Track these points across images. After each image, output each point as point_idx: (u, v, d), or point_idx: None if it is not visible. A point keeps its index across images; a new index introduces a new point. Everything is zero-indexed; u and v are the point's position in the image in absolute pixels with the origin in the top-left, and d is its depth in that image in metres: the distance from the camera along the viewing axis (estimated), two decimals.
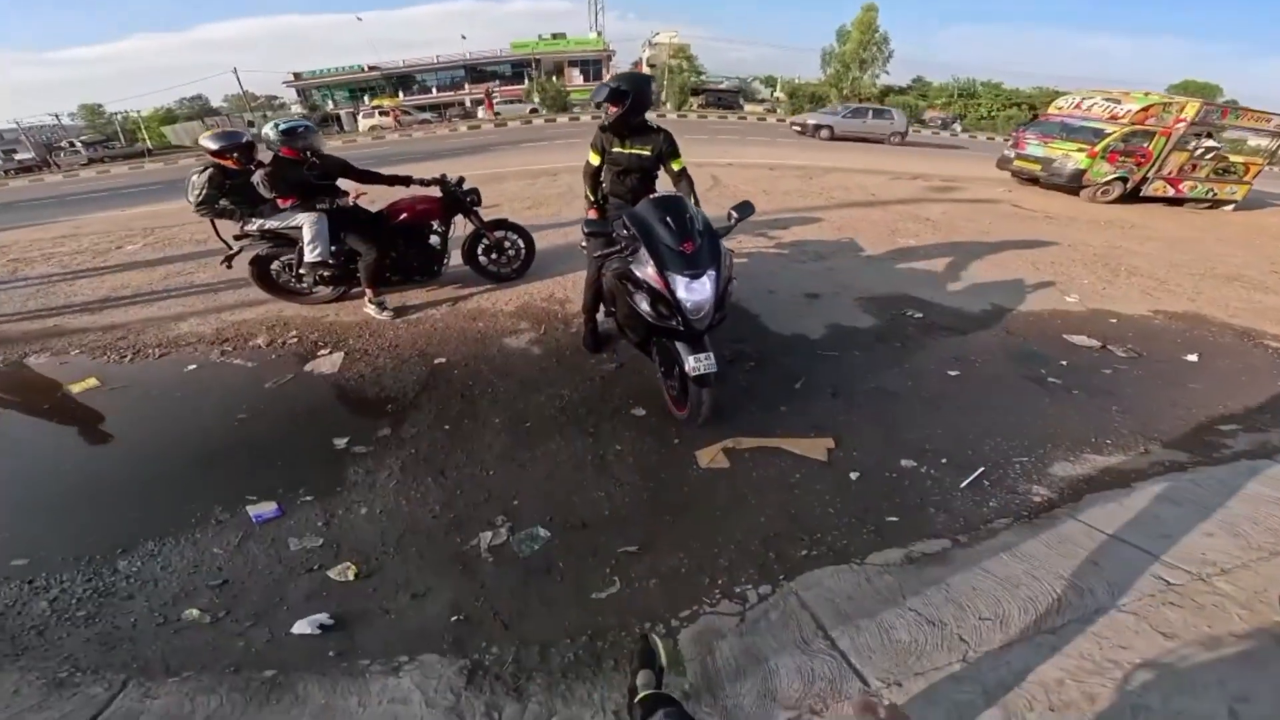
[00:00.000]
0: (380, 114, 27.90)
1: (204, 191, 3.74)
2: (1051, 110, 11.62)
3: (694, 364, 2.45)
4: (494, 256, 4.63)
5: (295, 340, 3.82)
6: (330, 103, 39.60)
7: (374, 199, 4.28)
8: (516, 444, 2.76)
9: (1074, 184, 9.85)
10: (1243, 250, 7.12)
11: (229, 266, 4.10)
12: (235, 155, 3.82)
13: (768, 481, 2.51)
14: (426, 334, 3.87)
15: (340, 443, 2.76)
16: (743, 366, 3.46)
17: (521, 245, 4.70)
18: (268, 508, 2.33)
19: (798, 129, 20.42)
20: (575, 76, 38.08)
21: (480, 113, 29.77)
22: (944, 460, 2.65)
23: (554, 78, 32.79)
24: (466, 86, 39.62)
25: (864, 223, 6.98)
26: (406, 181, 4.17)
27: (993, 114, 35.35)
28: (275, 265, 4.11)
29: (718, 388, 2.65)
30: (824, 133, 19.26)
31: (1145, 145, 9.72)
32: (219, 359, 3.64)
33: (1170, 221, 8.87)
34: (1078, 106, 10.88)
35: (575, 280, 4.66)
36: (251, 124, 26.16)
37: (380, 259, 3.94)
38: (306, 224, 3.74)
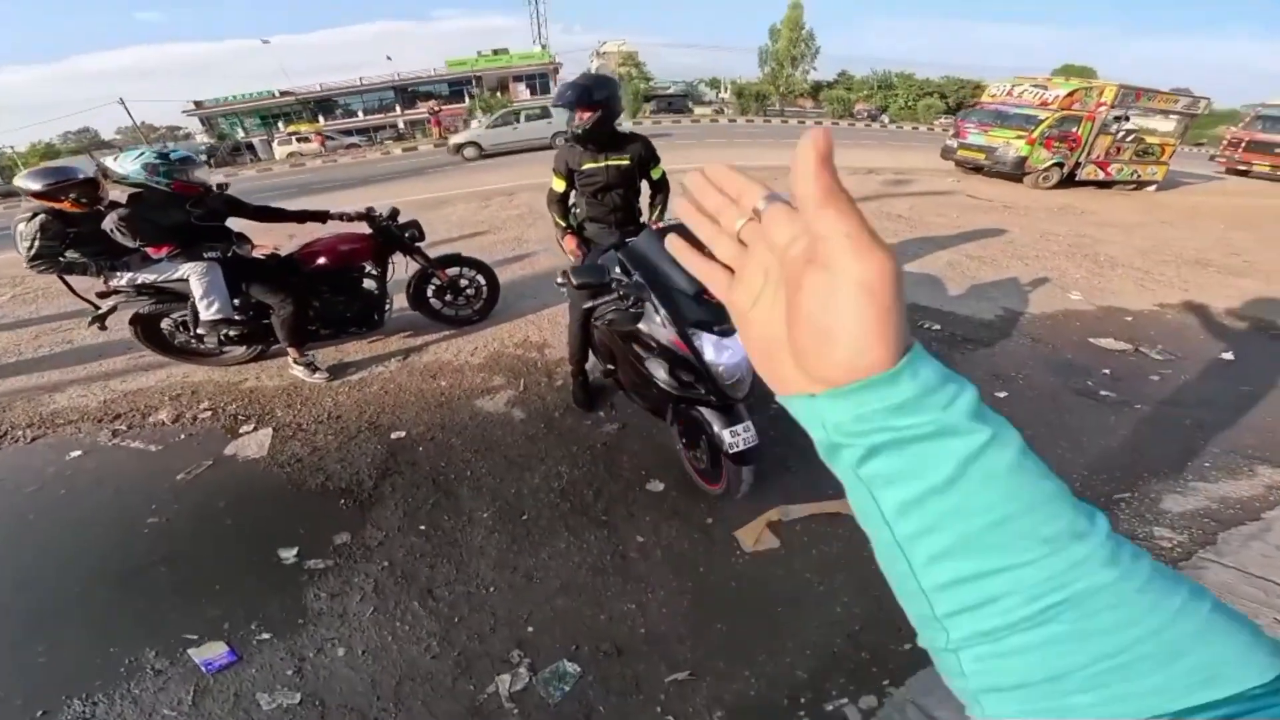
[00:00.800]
0: (299, 140, 26.56)
1: (36, 243, 2.85)
2: (985, 98, 11.89)
3: (731, 439, 1.92)
4: (449, 298, 3.96)
5: (209, 414, 3.08)
6: (240, 130, 37.33)
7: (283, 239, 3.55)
8: (515, 546, 2.16)
9: (1017, 171, 10.01)
10: (1190, 232, 7.25)
11: (102, 328, 3.24)
12: (72, 196, 2.94)
13: (833, 558, 2.08)
14: (375, 399, 3.17)
15: (288, 555, 2.14)
16: (765, 412, 2.95)
17: (482, 282, 4.02)
18: (216, 650, 1.81)
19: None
20: (521, 91, 37.35)
21: (420, 133, 28.58)
22: None
23: (498, 94, 31.94)
24: (398, 108, 38.31)
25: None
26: (321, 218, 3.39)
27: (910, 104, 37.00)
28: (166, 324, 3.32)
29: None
30: (470, 151, 15.23)
31: (1075, 130, 9.98)
32: (111, 442, 2.89)
33: (1111, 205, 9.07)
34: (1009, 94, 11.13)
35: (551, 317, 4.06)
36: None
37: (299, 312, 3.21)
38: (194, 276, 2.98)
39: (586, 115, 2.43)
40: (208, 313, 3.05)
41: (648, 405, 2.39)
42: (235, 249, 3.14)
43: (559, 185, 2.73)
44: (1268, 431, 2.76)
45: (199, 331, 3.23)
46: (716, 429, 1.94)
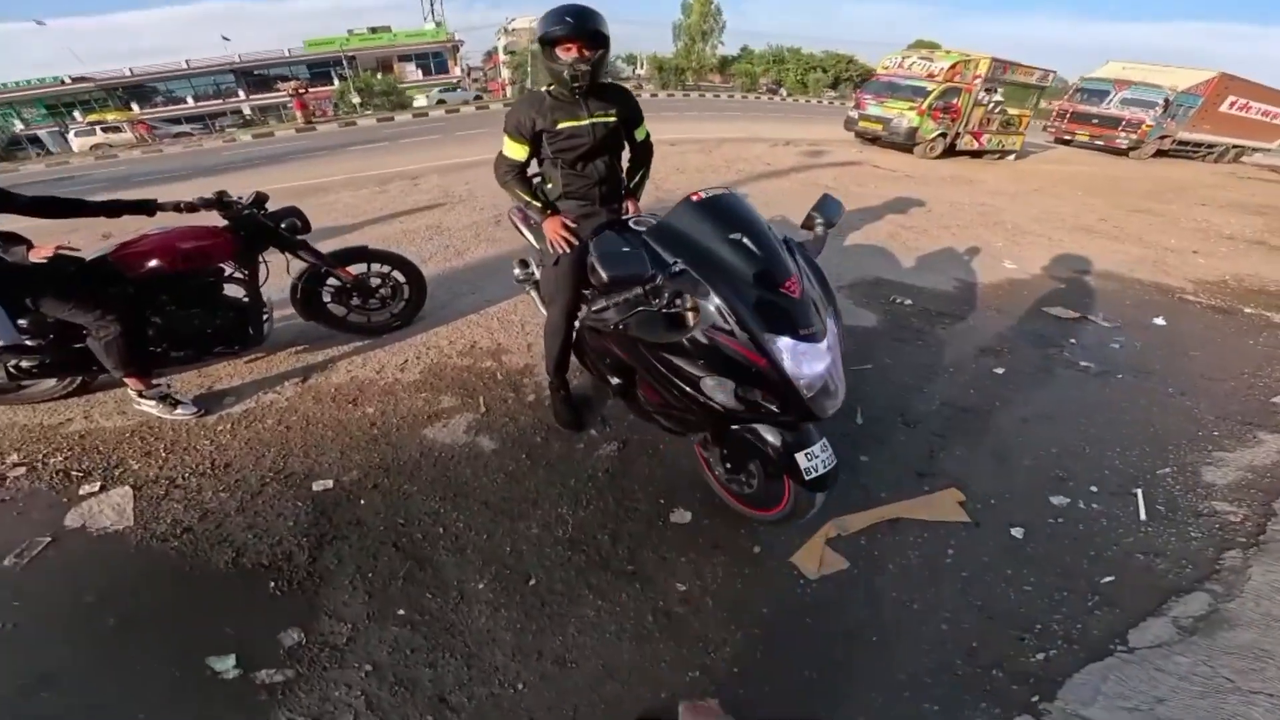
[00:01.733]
0: (105, 130, 23.26)
1: None
2: (879, 70, 12.52)
3: (808, 463, 1.54)
4: (356, 301, 3.19)
5: (22, 471, 2.23)
6: (17, 123, 32.01)
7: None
8: (532, 624, 1.67)
9: (909, 142, 10.62)
10: (1059, 200, 7.95)
11: None
12: None
13: (916, 569, 1.85)
14: (276, 438, 2.43)
15: (224, 667, 1.54)
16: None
17: (401, 280, 3.27)
18: None
19: None
20: (411, 71, 34.56)
21: (278, 118, 25.48)
22: (1093, 489, 2.21)
23: (378, 74, 28.96)
24: (242, 93, 34.24)
25: (781, 195, 6.57)
26: (147, 209, 2.46)
27: (801, 78, 38.90)
28: None
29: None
30: None
31: (956, 101, 10.73)
32: None
33: (988, 174, 9.85)
34: (901, 66, 11.79)
35: (501, 316, 3.44)
36: None
37: (129, 333, 2.36)
38: None
39: (585, 55, 1.83)
40: None
41: (677, 428, 1.94)
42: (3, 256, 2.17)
43: (518, 151, 2.07)
44: (1238, 397, 2.91)
45: None
46: (785, 452, 1.56)
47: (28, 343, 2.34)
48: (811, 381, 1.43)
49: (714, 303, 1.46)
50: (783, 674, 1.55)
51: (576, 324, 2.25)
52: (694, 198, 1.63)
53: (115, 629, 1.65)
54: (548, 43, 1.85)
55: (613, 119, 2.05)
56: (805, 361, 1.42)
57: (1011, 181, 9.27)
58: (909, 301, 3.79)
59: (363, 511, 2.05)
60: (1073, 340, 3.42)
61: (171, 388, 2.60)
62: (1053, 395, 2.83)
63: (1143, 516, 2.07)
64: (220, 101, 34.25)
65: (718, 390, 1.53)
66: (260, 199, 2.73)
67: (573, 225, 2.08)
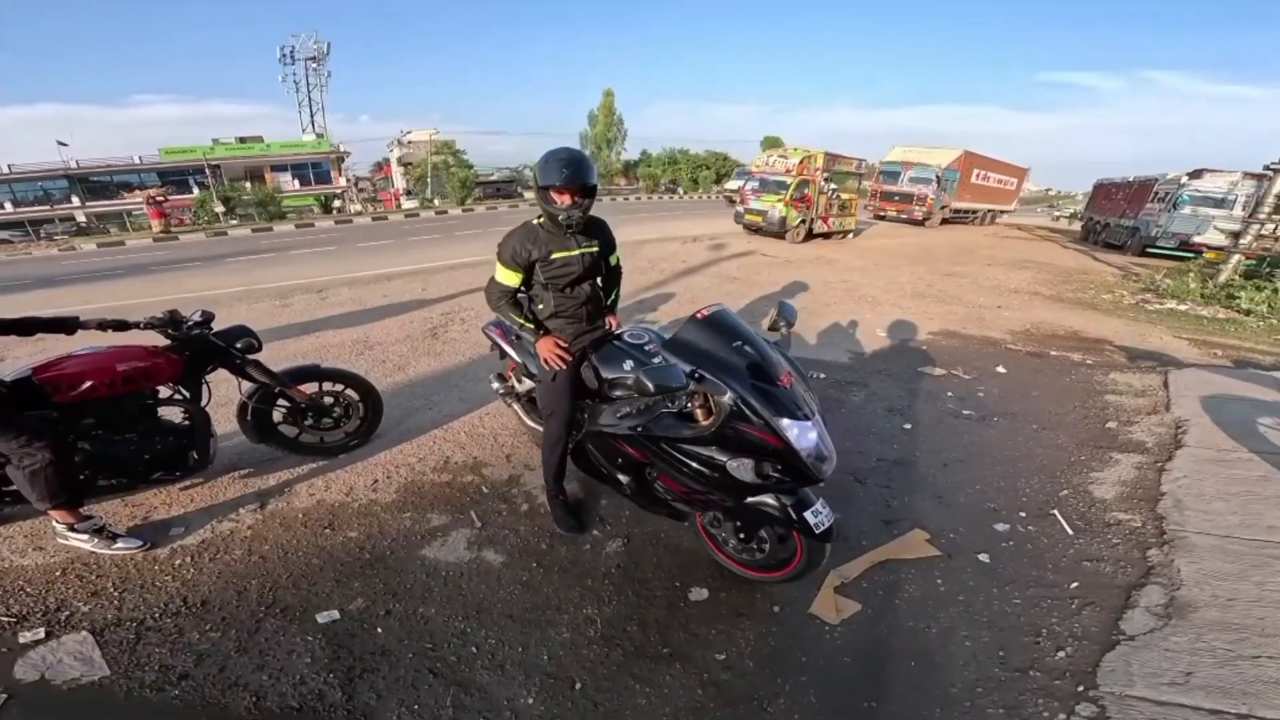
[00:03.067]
0: None
1: None
2: (753, 168, 14.60)
3: (815, 519, 1.90)
4: (309, 422, 3.10)
5: None
6: None
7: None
8: None
9: (782, 230, 12.42)
10: (895, 271, 9.62)
11: None
12: None
13: (922, 600, 2.19)
14: (252, 570, 2.29)
15: None
16: None
17: (355, 398, 3.22)
18: None
19: None
20: (287, 181, 33.39)
21: (123, 226, 22.90)
22: (1022, 514, 2.72)
23: (248, 183, 27.52)
24: (75, 199, 31.26)
25: (701, 290, 7.33)
26: (67, 326, 2.30)
27: (692, 176, 43.09)
28: None
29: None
30: None
31: (808, 191, 12.82)
32: None
33: (837, 253, 11.65)
34: (768, 163, 13.91)
35: (468, 430, 3.48)
36: None
37: (58, 461, 2.14)
38: None
39: (576, 201, 2.15)
40: None
41: (693, 509, 2.19)
42: None
43: (511, 278, 2.31)
44: (1083, 426, 3.72)
45: None
46: (793, 512, 1.89)
47: None
48: (810, 451, 1.79)
49: (728, 398, 1.80)
50: (843, 708, 1.75)
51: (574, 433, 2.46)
52: (699, 315, 2.01)
53: None
54: (544, 188, 2.16)
55: (596, 249, 2.37)
56: (803, 436, 1.79)
57: (858, 258, 11.04)
58: (823, 375, 4.45)
59: (384, 640, 1.99)
60: (949, 393, 4.21)
61: (100, 520, 2.34)
62: (955, 441, 3.46)
63: (1070, 532, 2.56)
64: (48, 208, 30.65)
65: (741, 469, 1.84)
66: (208, 318, 2.65)
67: (565, 344, 2.35)
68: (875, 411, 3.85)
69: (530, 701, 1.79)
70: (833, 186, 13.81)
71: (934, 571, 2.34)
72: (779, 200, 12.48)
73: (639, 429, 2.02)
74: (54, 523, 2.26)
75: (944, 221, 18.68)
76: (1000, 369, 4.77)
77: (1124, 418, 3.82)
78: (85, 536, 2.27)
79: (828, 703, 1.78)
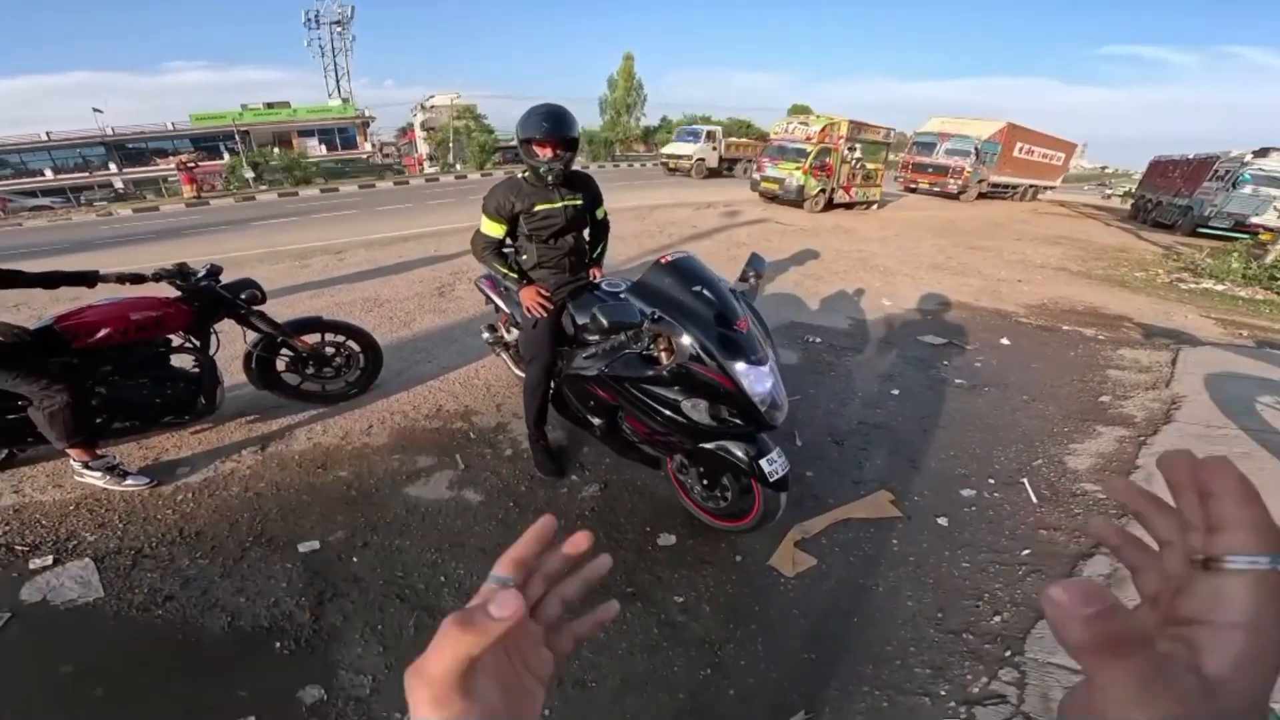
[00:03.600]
0: None
1: None
2: (772, 136, 14.21)
3: (769, 467, 1.93)
4: (311, 371, 3.25)
5: None
6: None
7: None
8: None
9: (799, 199, 12.11)
10: (915, 242, 9.41)
11: None
12: None
13: (873, 559, 2.23)
14: (245, 504, 2.45)
15: None
16: None
17: (356, 349, 3.37)
18: None
19: None
20: (314, 146, 33.64)
21: (158, 192, 23.66)
22: (990, 480, 2.71)
23: (275, 149, 27.98)
24: (113, 166, 32.11)
25: (709, 255, 7.17)
26: (88, 280, 2.47)
27: None
28: None
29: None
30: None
31: (829, 160, 12.41)
32: None
33: (858, 223, 11.37)
34: (787, 131, 13.49)
35: (463, 380, 3.60)
36: None
37: (74, 403, 2.32)
38: None
39: (557, 153, 2.19)
40: None
41: (658, 452, 2.26)
42: None
43: (495, 230, 2.37)
44: (1075, 399, 3.66)
45: None
46: (750, 461, 1.93)
47: None
48: (763, 397, 1.84)
49: (686, 340, 1.85)
50: (785, 659, 1.82)
51: (553, 380, 2.54)
52: (663, 260, 2.05)
53: (105, 699, 1.63)
54: (526, 141, 2.20)
55: (579, 202, 2.42)
56: (757, 381, 1.83)
57: (878, 229, 10.75)
58: (819, 340, 4.43)
59: (357, 569, 2.13)
60: (945, 362, 4.16)
61: (114, 458, 2.53)
62: (940, 408, 3.45)
63: (1034, 500, 2.57)
64: (87, 175, 31.58)
65: (694, 410, 1.90)
66: (215, 271, 2.80)
67: (547, 293, 2.41)
68: (865, 377, 3.84)
69: None
70: (857, 156, 13.32)
71: (892, 532, 2.37)
72: (797, 168, 12.13)
73: (605, 369, 2.09)
74: (71, 461, 2.45)
75: (980, 196, 17.97)
76: (1004, 341, 4.68)
77: (1120, 392, 3.73)
78: (99, 474, 2.45)
79: (772, 652, 1.85)
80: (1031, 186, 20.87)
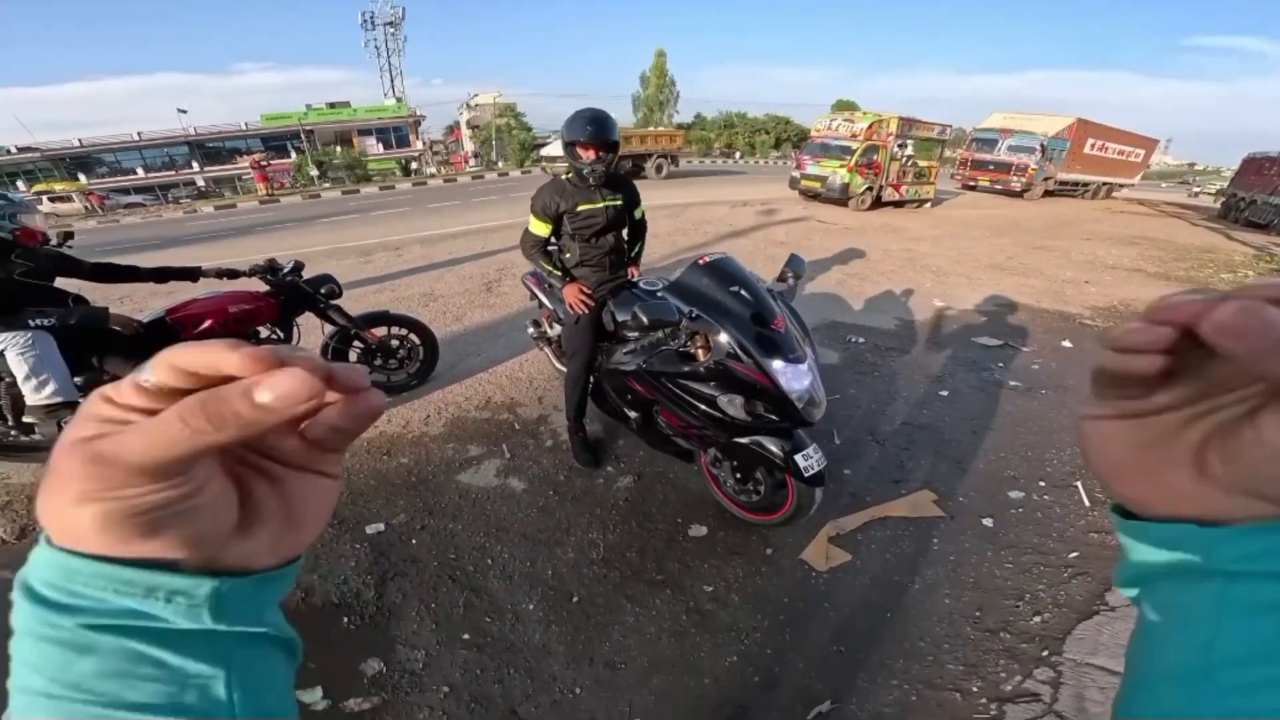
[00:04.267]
0: (53, 199, 22.97)
1: None
2: (814, 133, 13.90)
3: (805, 463, 1.95)
4: (378, 362, 3.48)
5: None
6: None
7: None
8: (581, 634, 1.92)
9: (844, 196, 11.79)
10: (971, 241, 9.01)
11: None
12: None
13: (911, 557, 2.20)
14: None
15: (313, 699, 1.71)
16: None
17: (417, 342, 3.59)
18: None
19: None
20: (372, 145, 35.49)
21: (233, 190, 25.63)
22: (1041, 483, 2.64)
23: (337, 148, 29.60)
24: (195, 165, 34.70)
25: (746, 254, 7.18)
26: (190, 275, 2.79)
27: (749, 140, 41.61)
28: None
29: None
30: None
31: (876, 158, 12.01)
32: None
33: (910, 222, 10.95)
34: (830, 128, 13.15)
35: (509, 374, 3.77)
36: None
37: None
38: (12, 350, 2.33)
39: (599, 155, 2.29)
40: (39, 396, 2.37)
41: (693, 446, 2.33)
42: (73, 315, 2.44)
43: (542, 229, 2.49)
44: None
45: (26, 420, 2.52)
46: (786, 456, 1.96)
47: (79, 399, 2.51)
48: (800, 394, 1.87)
49: (724, 338, 1.90)
50: (812, 650, 1.84)
51: (593, 374, 2.65)
52: (700, 261, 2.11)
53: None
54: (570, 144, 2.31)
55: (619, 203, 2.52)
56: (794, 378, 1.86)
57: (931, 228, 10.34)
58: (862, 340, 4.35)
59: (416, 550, 2.29)
60: (1000, 364, 4.01)
61: None
62: (991, 411, 3.35)
63: (1087, 504, 2.48)
64: (173, 173, 34.22)
65: (730, 405, 1.95)
66: (298, 267, 3.06)
67: (589, 290, 2.51)
68: (911, 378, 3.75)
69: (531, 607, 2.02)
70: (909, 153, 12.82)
71: (932, 531, 2.34)
72: (841, 165, 11.80)
73: (643, 364, 2.17)
74: None
75: (1047, 194, 16.99)
76: (1065, 343, 4.45)
77: None
78: None
79: (799, 643, 1.87)
80: (1105, 184, 19.55)
